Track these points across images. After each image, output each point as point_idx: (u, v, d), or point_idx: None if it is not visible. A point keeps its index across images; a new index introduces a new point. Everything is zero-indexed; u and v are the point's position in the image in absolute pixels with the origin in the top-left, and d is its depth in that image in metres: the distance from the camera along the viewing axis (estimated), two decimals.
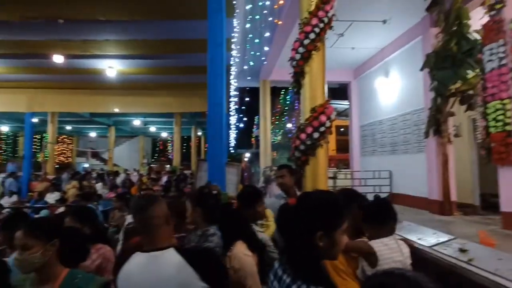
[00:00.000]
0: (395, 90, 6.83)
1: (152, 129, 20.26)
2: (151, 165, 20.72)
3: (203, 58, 8.47)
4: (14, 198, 10.63)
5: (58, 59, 7.34)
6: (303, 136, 3.81)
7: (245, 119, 11.07)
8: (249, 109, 12.43)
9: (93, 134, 22.28)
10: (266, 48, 5.21)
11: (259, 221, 2.43)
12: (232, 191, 4.44)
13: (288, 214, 1.18)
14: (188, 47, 7.71)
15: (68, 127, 19.44)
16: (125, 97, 12.07)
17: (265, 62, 6.50)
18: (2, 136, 21.86)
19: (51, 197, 10.13)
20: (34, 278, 1.52)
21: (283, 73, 7.88)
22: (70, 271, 1.57)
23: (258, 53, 5.80)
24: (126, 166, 19.83)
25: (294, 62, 3.94)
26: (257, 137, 15.60)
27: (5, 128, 20.27)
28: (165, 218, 1.49)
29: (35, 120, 13.61)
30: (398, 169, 6.61)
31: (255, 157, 15.47)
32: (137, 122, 16.20)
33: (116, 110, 12.51)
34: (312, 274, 1.09)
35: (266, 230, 2.48)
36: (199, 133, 20.76)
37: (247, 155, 17.61)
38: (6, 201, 10.06)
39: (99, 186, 11.22)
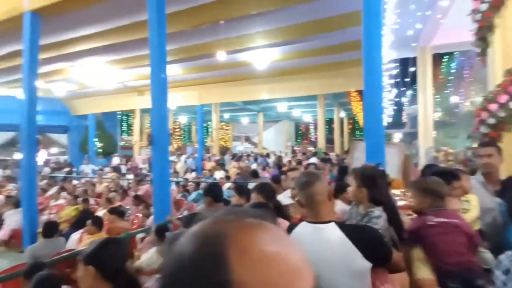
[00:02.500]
0: None
1: (295, 113, 21.06)
2: (294, 148, 21.74)
3: (350, 33, 8.05)
4: (193, 174, 13.31)
5: (221, 56, 8.48)
6: (493, 107, 3.05)
7: (395, 95, 9.93)
8: (398, 84, 11.06)
9: (245, 120, 25.13)
10: (444, 4, 4.39)
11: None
12: (393, 172, 4.07)
13: None
14: (336, 24, 7.44)
15: (226, 115, 22.54)
16: (272, 84, 12.93)
17: (442, 21, 5.53)
18: (181, 125, 27.54)
19: (218, 175, 12.13)
20: None
21: (449, 35, 6.57)
22: None
23: (429, 12, 4.97)
24: (273, 148, 21.49)
25: (479, 15, 3.16)
26: (410, 115, 13.82)
27: (183, 119, 25.46)
28: (328, 194, 1.59)
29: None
30: None
31: (408, 137, 13.78)
32: (282, 107, 17.17)
33: (265, 96, 13.59)
34: None
35: (464, 214, 2.14)
36: (342, 115, 20.16)
37: (398, 135, 15.92)
38: (188, 176, 12.73)
39: (254, 166, 12.65)
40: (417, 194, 2.02)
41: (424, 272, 1.89)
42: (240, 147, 24.48)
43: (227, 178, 10.53)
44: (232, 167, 12.65)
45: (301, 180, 1.63)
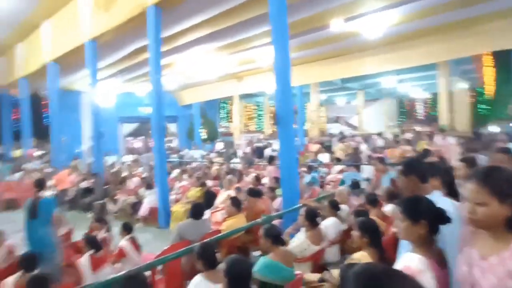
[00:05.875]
0: None
1: (402, 88, 18.72)
2: (403, 128, 19.54)
3: None
4: None
5: (335, 25, 7.73)
6: None
7: None
8: None
9: (340, 102, 23.66)
10: None
11: None
12: None
13: None
14: None
15: (323, 96, 21.45)
16: (381, 55, 11.50)
17: None
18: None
19: (323, 157, 11.56)
20: None
21: None
22: None
23: None
24: (372, 130, 19.68)
25: None
26: None
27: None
28: None
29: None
30: None
31: None
32: (389, 82, 15.36)
33: (373, 70, 12.24)
34: None
35: None
36: (463, 86, 16.94)
37: None
38: None
39: (363, 147, 11.64)
40: None
41: None
42: (335, 129, 23.24)
43: (338, 160, 9.85)
44: (338, 149, 11.90)
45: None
